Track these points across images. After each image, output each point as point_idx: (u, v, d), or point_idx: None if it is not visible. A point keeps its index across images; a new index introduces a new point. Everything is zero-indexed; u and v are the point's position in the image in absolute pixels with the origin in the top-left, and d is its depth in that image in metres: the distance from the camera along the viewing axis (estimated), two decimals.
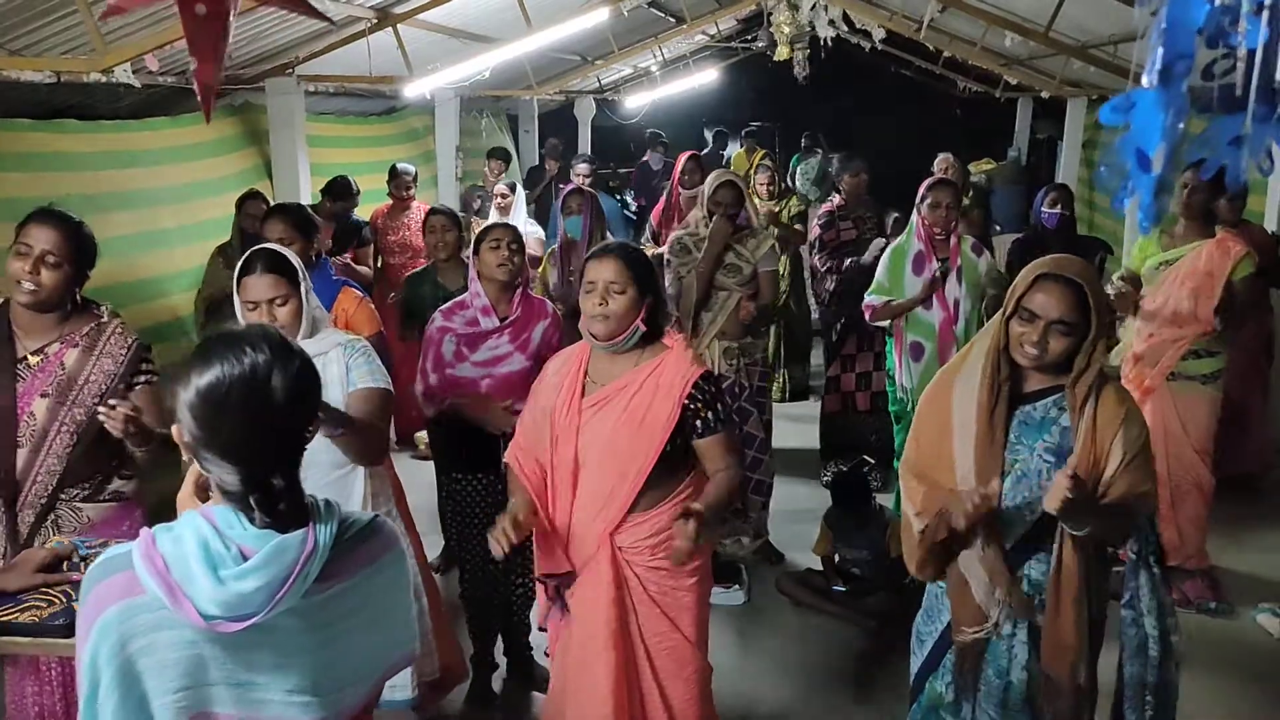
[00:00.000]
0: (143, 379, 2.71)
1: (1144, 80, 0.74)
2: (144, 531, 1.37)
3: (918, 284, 4.43)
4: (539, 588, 2.76)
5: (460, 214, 4.96)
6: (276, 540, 1.35)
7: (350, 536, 1.48)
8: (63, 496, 2.63)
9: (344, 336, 2.81)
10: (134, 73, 3.91)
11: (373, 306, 3.84)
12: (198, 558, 1.32)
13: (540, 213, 9.31)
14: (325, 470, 2.70)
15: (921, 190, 4.52)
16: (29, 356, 2.60)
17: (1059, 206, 5.26)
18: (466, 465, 3.49)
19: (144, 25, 4.37)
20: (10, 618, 2.07)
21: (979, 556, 2.37)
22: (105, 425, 2.43)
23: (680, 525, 2.31)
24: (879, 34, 9.07)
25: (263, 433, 1.38)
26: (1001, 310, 2.38)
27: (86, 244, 2.66)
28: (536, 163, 10.86)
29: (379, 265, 6.22)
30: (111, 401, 2.49)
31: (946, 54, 8.93)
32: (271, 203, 5.07)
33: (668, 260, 4.59)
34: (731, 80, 13.85)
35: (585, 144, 11.65)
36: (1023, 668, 2.40)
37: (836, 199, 5.95)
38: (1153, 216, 0.78)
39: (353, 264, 5.68)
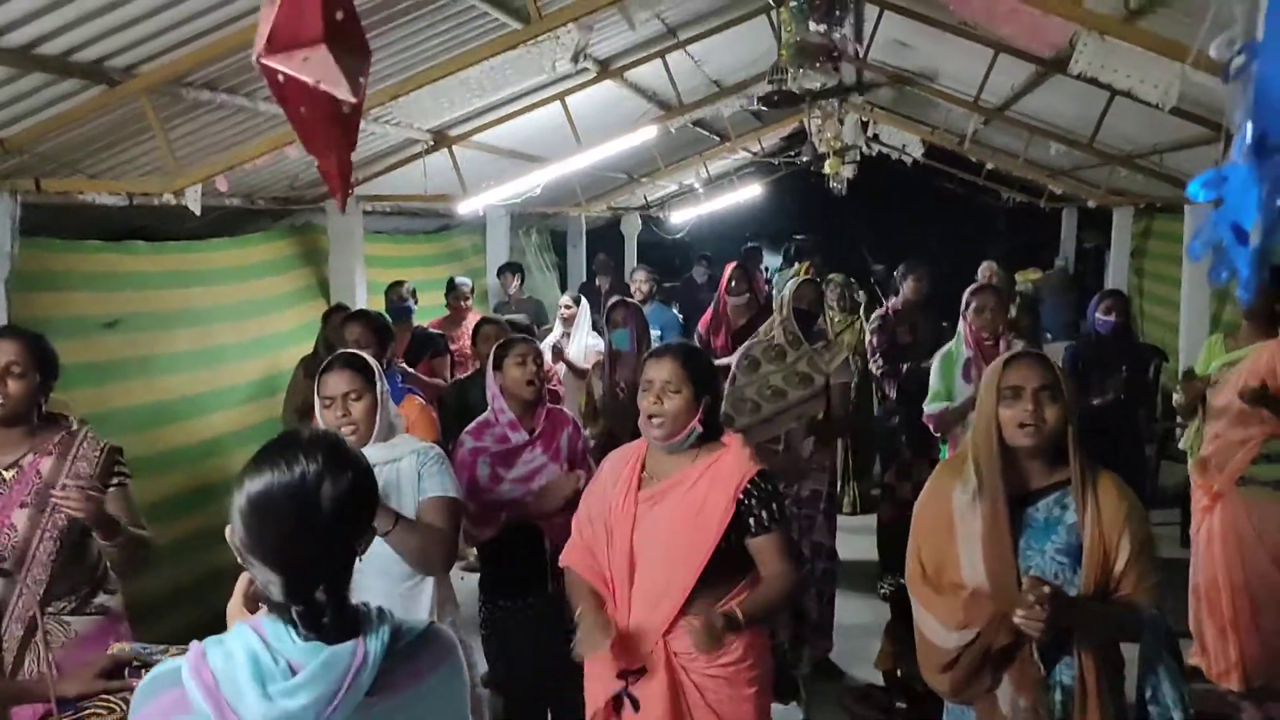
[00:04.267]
0: (116, 480, 2.75)
1: (1233, 155, 0.74)
2: (195, 645, 1.34)
3: (968, 390, 4.38)
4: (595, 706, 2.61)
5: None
6: (325, 653, 1.31)
7: (404, 645, 1.41)
8: (50, 610, 2.64)
9: (419, 444, 2.83)
10: (202, 194, 4.06)
11: (434, 414, 3.92)
12: (246, 673, 1.28)
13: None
14: (396, 581, 2.69)
15: (966, 296, 4.52)
16: (3, 472, 2.64)
17: (1113, 314, 5.21)
18: (513, 589, 3.38)
19: (216, 150, 4.56)
20: None
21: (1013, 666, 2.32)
22: (64, 508, 2.48)
23: (711, 614, 2.28)
24: (918, 151, 9.22)
25: (307, 543, 1.34)
26: (976, 412, 2.42)
27: (48, 355, 2.72)
28: (586, 279, 11.05)
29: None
30: (64, 481, 2.54)
31: (990, 166, 9.02)
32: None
33: (733, 376, 4.43)
34: (774, 195, 14.08)
35: (631, 259, 11.85)
36: None
37: (893, 301, 5.92)
38: (1253, 290, 0.77)
39: (424, 375, 5.65)
